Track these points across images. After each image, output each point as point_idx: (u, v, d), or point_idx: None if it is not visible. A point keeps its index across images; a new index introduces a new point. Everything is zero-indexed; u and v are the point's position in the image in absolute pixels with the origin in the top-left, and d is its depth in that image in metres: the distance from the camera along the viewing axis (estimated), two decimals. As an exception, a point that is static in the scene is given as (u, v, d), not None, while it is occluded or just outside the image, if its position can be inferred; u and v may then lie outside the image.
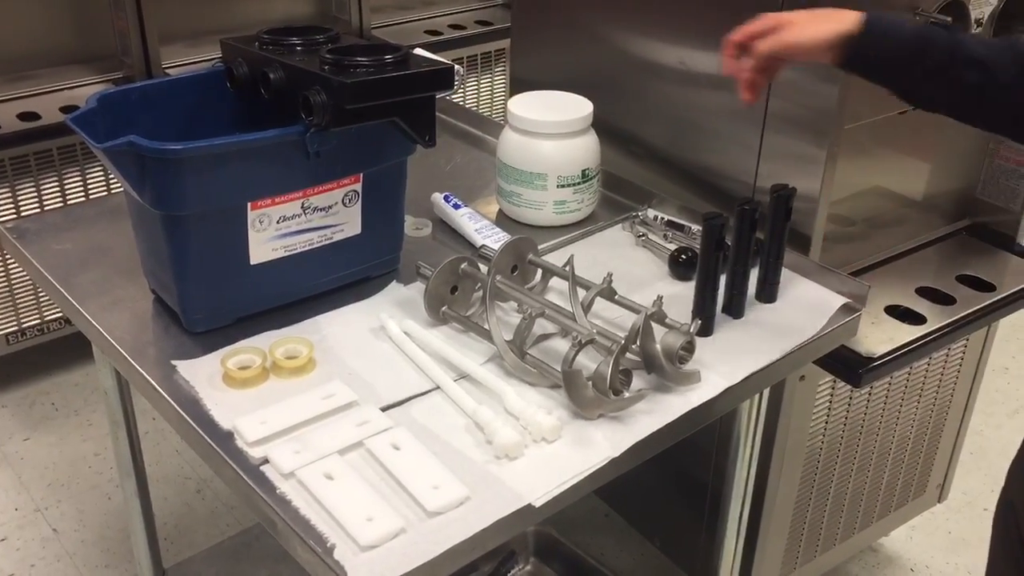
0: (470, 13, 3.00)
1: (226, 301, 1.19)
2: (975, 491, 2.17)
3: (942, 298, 1.52)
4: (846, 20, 1.06)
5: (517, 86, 1.76)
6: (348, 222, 1.23)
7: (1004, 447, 2.29)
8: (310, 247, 1.21)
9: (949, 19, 1.26)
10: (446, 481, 0.96)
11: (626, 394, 1.07)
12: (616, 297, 1.20)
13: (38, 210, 2.20)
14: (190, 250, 1.14)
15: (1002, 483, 1.15)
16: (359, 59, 1.14)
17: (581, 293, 1.20)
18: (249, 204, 1.13)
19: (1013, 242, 1.66)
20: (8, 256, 2.19)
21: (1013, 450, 1.13)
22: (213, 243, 1.14)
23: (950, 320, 1.47)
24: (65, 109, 2.21)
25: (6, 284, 2.24)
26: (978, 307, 1.50)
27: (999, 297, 1.53)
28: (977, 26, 1.35)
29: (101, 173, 2.26)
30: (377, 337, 1.19)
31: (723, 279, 1.22)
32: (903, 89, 1.08)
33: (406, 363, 1.15)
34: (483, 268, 1.22)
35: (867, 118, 1.39)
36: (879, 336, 1.42)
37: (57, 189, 2.22)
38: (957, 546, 2.05)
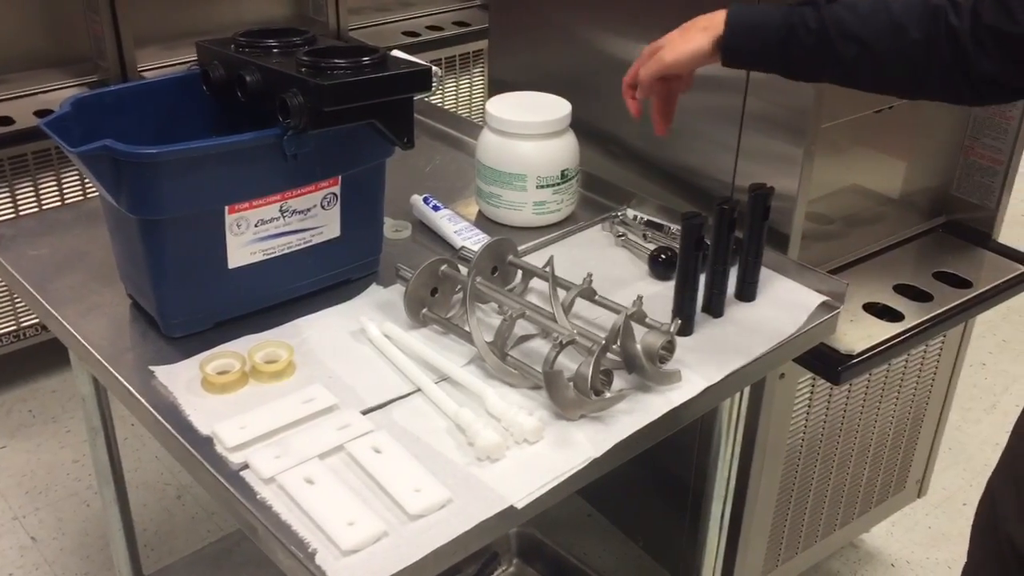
0: (448, 14, 2.99)
1: (204, 305, 1.18)
2: (954, 486, 2.19)
3: (919, 295, 1.53)
4: (714, 24, 1.10)
5: (495, 87, 1.76)
6: (327, 225, 1.23)
7: (982, 442, 2.30)
8: (289, 250, 1.21)
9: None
10: (428, 484, 0.96)
11: (607, 394, 1.07)
12: (596, 297, 1.20)
13: (13, 215, 2.18)
14: (167, 255, 1.13)
15: (981, 478, 1.16)
16: (336, 61, 1.14)
17: (561, 294, 1.20)
18: (227, 208, 1.13)
19: (989, 239, 1.68)
20: (-17, 262, 2.17)
21: (991, 445, 1.14)
22: (190, 247, 1.13)
23: (928, 317, 1.48)
24: (39, 113, 2.19)
25: (-19, 290, 2.22)
26: (955, 303, 1.51)
27: (976, 293, 1.54)
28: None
29: (77, 177, 2.24)
30: (357, 340, 1.19)
31: (703, 278, 1.22)
32: (785, 72, 1.11)
33: (387, 366, 1.15)
34: (463, 270, 1.22)
35: (844, 117, 1.39)
36: (858, 333, 1.43)
37: (32, 194, 2.20)
38: (937, 541, 2.07)
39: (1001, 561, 1.08)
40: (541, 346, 1.17)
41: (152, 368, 1.12)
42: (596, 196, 1.55)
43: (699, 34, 1.11)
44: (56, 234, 1.40)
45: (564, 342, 1.08)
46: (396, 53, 1.28)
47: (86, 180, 2.25)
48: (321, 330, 1.20)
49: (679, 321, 1.17)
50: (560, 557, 1.76)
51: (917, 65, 1.01)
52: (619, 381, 1.10)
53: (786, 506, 1.66)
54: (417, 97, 1.22)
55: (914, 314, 1.48)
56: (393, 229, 1.43)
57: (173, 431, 1.04)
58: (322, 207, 1.21)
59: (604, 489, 1.50)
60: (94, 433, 1.46)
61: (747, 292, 1.29)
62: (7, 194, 2.17)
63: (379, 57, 1.17)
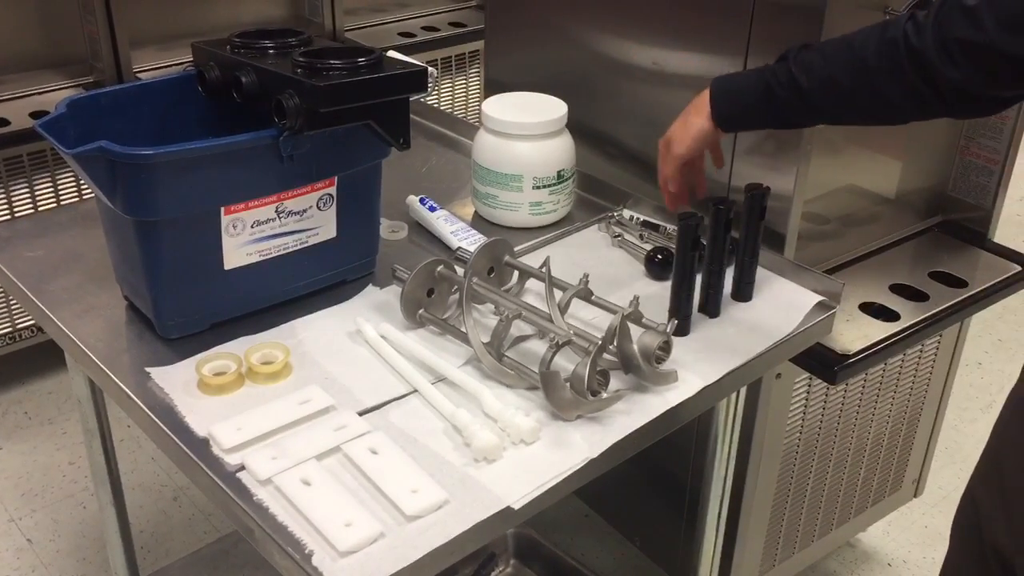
0: (444, 15, 3.00)
1: (200, 307, 1.18)
2: (950, 485, 2.19)
3: (915, 295, 1.54)
4: (704, 103, 1.19)
5: (491, 88, 1.76)
6: (323, 226, 1.23)
7: (978, 441, 2.30)
8: (285, 251, 1.21)
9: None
10: (425, 485, 0.96)
11: (604, 395, 1.07)
12: (592, 298, 1.20)
13: (8, 217, 2.17)
14: (163, 256, 1.13)
15: (976, 478, 1.16)
16: (332, 62, 1.14)
17: (558, 294, 1.20)
18: (223, 209, 1.13)
19: (984, 238, 1.68)
20: (-22, 264, 2.16)
21: (987, 445, 1.14)
22: (186, 249, 1.13)
23: (924, 316, 1.48)
24: (35, 115, 2.19)
25: (-23, 292, 2.22)
26: (951, 303, 1.52)
27: (971, 293, 1.55)
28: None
29: (72, 179, 2.24)
30: (354, 341, 1.19)
31: (699, 278, 1.22)
32: (778, 126, 1.19)
33: (383, 367, 1.14)
34: (459, 270, 1.22)
35: (839, 117, 1.39)
36: (854, 333, 1.43)
37: (28, 196, 2.20)
38: (933, 540, 2.07)
39: (984, 566, 1.08)
40: (538, 347, 1.17)
41: (148, 370, 1.12)
42: (592, 196, 1.55)
43: (696, 118, 1.19)
44: (52, 236, 1.40)
45: (560, 343, 1.08)
46: (392, 54, 1.28)
47: (82, 181, 2.24)
48: (317, 331, 1.20)
49: (675, 321, 1.17)
50: (557, 557, 1.76)
51: (884, 92, 1.05)
52: (616, 382, 1.10)
53: (783, 506, 1.66)
54: (413, 98, 1.22)
55: (910, 314, 1.49)
56: (389, 230, 1.43)
57: (169, 433, 1.03)
58: (318, 208, 1.21)
59: (601, 489, 1.51)
60: (90, 435, 1.46)
61: (743, 292, 1.29)
62: (3, 196, 2.16)
63: (375, 58, 1.17)
